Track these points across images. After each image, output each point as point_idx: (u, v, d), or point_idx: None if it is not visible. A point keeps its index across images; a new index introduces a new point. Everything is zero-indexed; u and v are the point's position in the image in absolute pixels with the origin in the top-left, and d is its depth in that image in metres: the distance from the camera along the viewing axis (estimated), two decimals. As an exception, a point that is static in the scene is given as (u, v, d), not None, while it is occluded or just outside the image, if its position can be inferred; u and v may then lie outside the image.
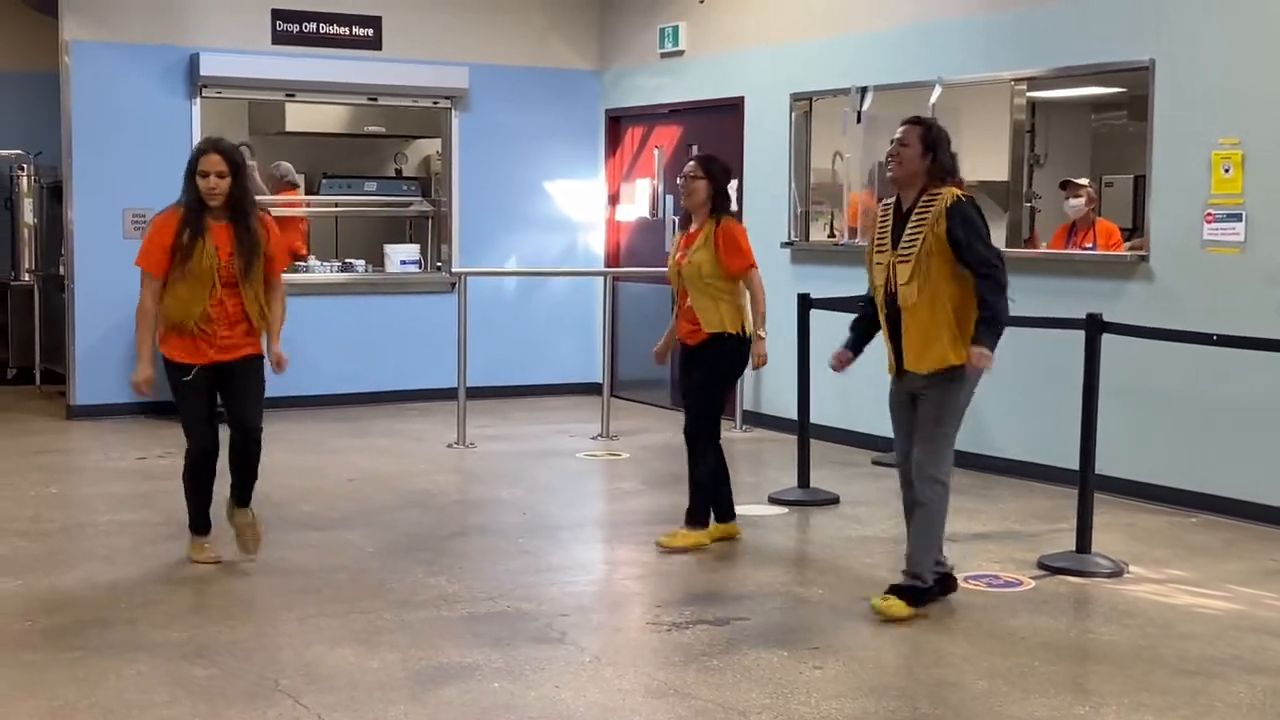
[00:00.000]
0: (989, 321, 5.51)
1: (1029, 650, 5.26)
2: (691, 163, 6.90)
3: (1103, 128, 10.38)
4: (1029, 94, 8.81)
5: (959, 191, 5.62)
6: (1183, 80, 7.67)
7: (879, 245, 5.73)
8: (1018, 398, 8.41)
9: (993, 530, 7.18)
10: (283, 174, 12.08)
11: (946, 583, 5.86)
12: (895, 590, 5.67)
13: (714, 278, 6.70)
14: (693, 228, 6.86)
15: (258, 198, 6.92)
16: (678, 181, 6.95)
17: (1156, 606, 5.87)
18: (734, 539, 6.91)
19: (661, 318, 11.67)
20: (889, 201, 5.81)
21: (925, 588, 5.69)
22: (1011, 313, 5.64)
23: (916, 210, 5.60)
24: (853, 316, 6.05)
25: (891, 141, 5.71)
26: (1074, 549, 6.50)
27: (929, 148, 5.60)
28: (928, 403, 5.64)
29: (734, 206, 6.98)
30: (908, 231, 5.59)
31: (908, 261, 5.55)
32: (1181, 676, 4.99)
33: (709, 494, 6.87)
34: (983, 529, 7.22)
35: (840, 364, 5.96)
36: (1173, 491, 7.72)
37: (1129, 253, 8.23)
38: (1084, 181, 8.91)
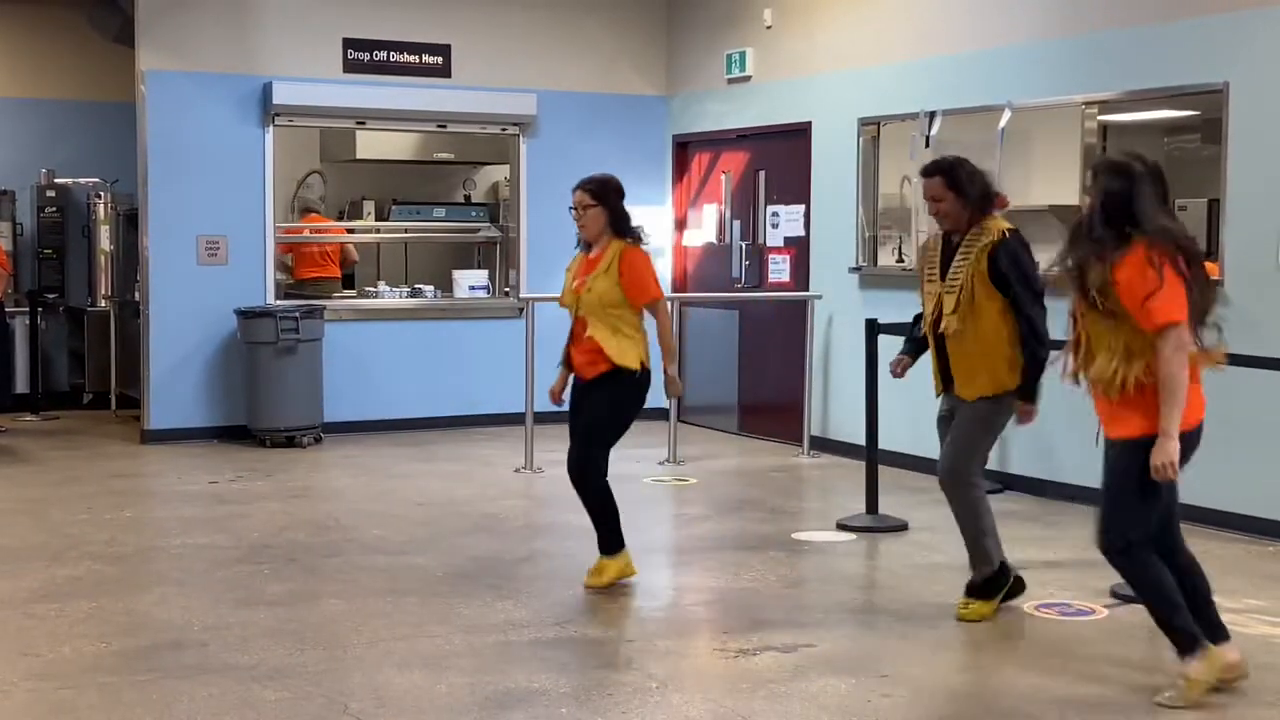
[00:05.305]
0: (1030, 370, 5.78)
1: (1102, 679, 5.19)
2: (577, 191, 6.36)
3: (1175, 151, 10.25)
4: (1100, 117, 8.73)
5: (1005, 226, 5.85)
6: (1257, 103, 7.58)
7: (929, 275, 5.99)
8: (1086, 424, 8.28)
9: (1064, 558, 7.10)
10: (303, 201, 11.96)
11: (1015, 584, 6.06)
12: (969, 591, 5.95)
13: (617, 307, 6.28)
14: (594, 252, 6.40)
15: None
16: (569, 211, 6.38)
17: (1232, 637, 5.77)
18: (630, 577, 6.46)
19: (730, 342, 11.75)
20: (940, 232, 6.03)
21: (993, 574, 5.92)
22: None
23: (964, 244, 5.84)
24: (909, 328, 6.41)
25: (926, 199, 5.97)
26: (1147, 577, 6.41)
27: (957, 190, 5.85)
28: (966, 413, 5.94)
29: (636, 225, 6.45)
30: (955, 264, 5.85)
31: (953, 293, 5.81)
32: (1260, 708, 4.91)
33: (605, 521, 6.47)
34: (1054, 557, 7.14)
35: (900, 368, 6.28)
36: (1249, 519, 7.58)
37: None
38: None
